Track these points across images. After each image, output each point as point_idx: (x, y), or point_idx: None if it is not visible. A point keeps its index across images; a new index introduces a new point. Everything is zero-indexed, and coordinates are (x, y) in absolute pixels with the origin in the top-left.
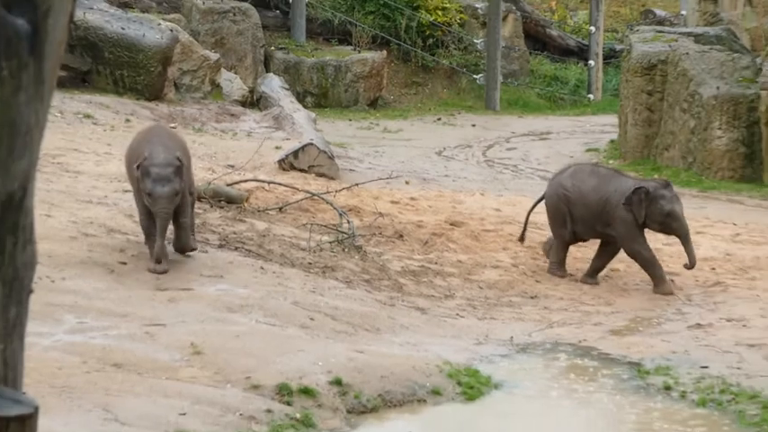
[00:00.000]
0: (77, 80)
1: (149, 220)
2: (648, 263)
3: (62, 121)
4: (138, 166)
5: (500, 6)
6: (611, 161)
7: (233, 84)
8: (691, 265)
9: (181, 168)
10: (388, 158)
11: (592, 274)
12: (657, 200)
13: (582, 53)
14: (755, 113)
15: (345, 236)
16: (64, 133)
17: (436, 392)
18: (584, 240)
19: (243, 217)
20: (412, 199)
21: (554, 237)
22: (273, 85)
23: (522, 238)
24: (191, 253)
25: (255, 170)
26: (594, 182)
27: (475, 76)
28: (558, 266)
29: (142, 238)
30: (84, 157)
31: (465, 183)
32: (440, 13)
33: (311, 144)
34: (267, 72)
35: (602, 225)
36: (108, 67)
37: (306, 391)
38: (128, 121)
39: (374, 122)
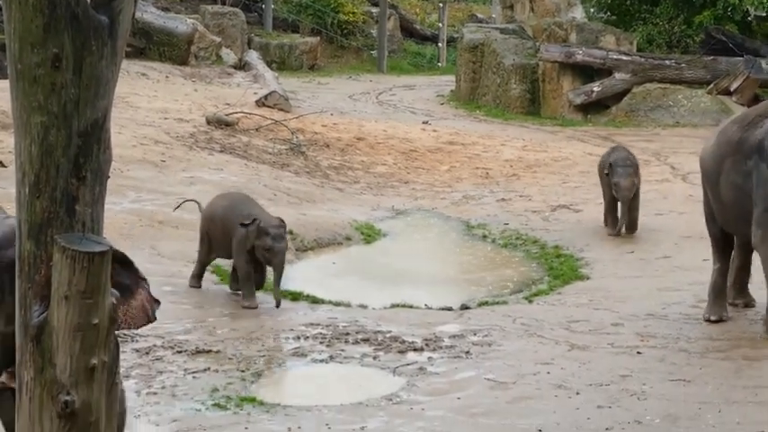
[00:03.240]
0: (137, 53)
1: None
2: None
3: (128, 77)
4: (245, 225)
5: (386, 11)
6: (451, 102)
7: (229, 56)
8: None
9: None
10: (320, 100)
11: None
12: None
13: (435, 39)
14: (536, 75)
15: (295, 145)
16: (129, 84)
17: (348, 238)
18: None
19: (234, 134)
20: (334, 124)
21: None
22: (253, 56)
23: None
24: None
25: (242, 106)
26: None
27: (372, 52)
28: None
29: (176, 141)
30: (140, 98)
31: (365, 115)
32: (351, 15)
33: (275, 91)
34: (249, 49)
35: None
36: (155, 45)
37: None
38: (167, 77)
39: (312, 79)
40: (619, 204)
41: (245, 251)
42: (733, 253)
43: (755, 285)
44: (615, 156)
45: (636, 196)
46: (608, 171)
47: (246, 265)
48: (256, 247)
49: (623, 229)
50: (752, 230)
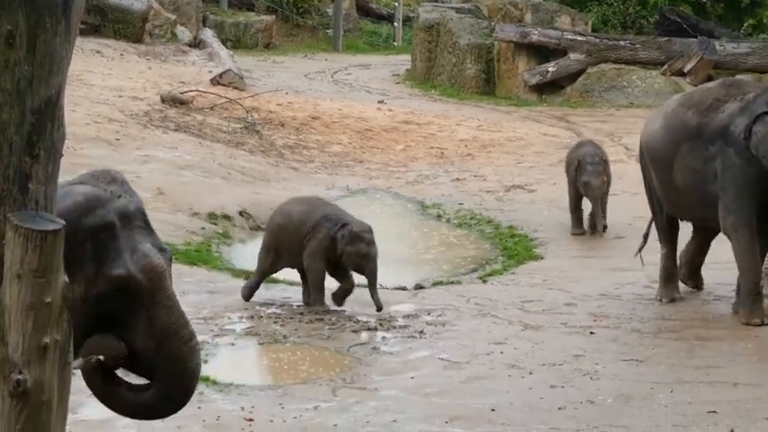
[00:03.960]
0: (92, 30)
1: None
2: None
3: (82, 54)
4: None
5: None
6: (406, 81)
7: (184, 33)
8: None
9: None
10: (275, 79)
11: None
12: None
13: (390, 18)
14: (491, 54)
15: (250, 124)
16: (83, 62)
17: None
18: None
19: (189, 112)
20: (289, 103)
21: None
22: (208, 35)
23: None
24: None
25: (197, 84)
26: None
27: (327, 30)
28: None
29: (130, 120)
30: (94, 76)
31: (321, 94)
32: None
33: (230, 70)
34: (204, 27)
35: None
36: (110, 23)
37: (226, 217)
38: (122, 55)
39: (267, 58)
40: (590, 203)
41: (325, 257)
42: (691, 236)
43: (705, 266)
44: (583, 151)
45: (605, 194)
46: (576, 168)
47: (322, 272)
48: (347, 253)
49: (600, 229)
50: (720, 216)
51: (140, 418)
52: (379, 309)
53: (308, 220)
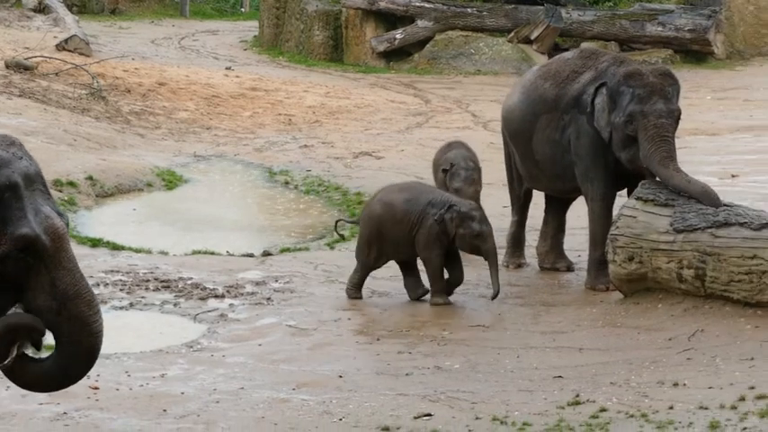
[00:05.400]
0: None
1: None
2: None
3: None
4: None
5: None
6: (254, 48)
7: None
8: None
9: None
10: (121, 45)
11: None
12: None
13: None
14: (339, 21)
15: (96, 90)
16: None
17: (149, 185)
18: None
19: (33, 78)
20: (136, 69)
21: None
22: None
23: None
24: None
25: (42, 50)
26: None
27: None
28: None
29: None
30: None
31: (168, 60)
32: None
33: (76, 35)
34: None
35: None
36: None
37: (71, 184)
38: None
39: (113, 23)
40: None
41: (440, 244)
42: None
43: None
44: (455, 154)
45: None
46: (446, 170)
47: (440, 260)
48: (460, 236)
49: None
50: (580, 184)
51: (47, 389)
52: (496, 295)
53: (414, 210)
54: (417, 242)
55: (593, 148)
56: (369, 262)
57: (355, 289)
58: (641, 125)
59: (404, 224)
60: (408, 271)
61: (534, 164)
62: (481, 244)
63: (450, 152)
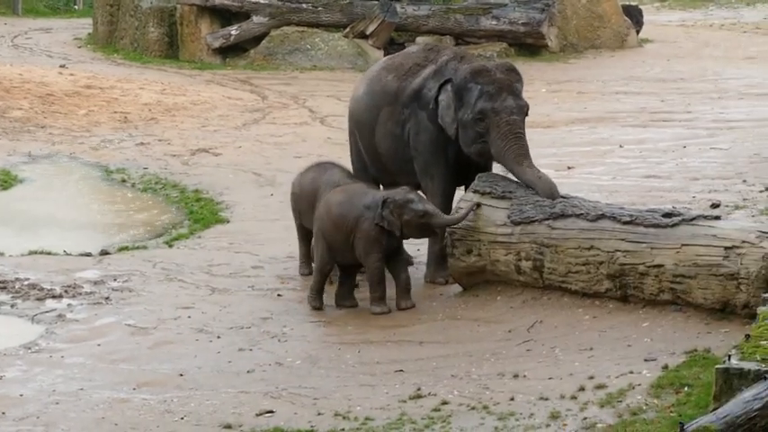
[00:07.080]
0: None
1: None
2: None
3: None
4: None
5: None
6: (88, 45)
7: None
8: None
9: None
10: None
11: None
12: None
13: None
14: (174, 18)
15: None
16: None
17: None
18: None
19: None
20: None
21: None
22: None
23: None
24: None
25: None
26: None
27: None
28: None
29: None
30: None
31: (0, 58)
32: None
33: None
34: None
35: None
36: None
37: None
38: None
39: None
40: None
41: (379, 247)
42: None
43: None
44: (327, 179)
45: None
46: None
47: (380, 265)
48: (407, 223)
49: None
50: (419, 179)
51: None
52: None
53: (347, 215)
54: (356, 247)
55: (433, 144)
56: (320, 266)
57: (315, 297)
58: (493, 122)
59: (341, 228)
60: (346, 278)
61: (378, 156)
62: (430, 221)
63: (323, 177)
